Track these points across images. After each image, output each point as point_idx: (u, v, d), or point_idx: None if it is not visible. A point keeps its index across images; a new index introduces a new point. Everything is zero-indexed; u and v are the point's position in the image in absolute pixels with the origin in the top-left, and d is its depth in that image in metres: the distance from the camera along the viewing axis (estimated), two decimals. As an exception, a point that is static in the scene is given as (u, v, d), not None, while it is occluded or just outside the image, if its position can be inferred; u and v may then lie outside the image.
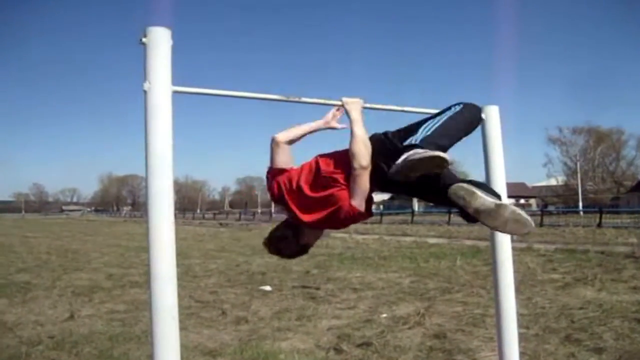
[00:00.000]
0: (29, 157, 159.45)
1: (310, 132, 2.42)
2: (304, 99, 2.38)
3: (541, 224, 23.92)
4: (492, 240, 2.51)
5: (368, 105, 2.35)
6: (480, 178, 2.56)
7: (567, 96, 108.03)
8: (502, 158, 2.54)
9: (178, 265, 1.75)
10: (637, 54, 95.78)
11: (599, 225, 21.70)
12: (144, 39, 1.74)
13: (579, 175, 60.68)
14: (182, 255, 11.69)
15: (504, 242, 2.49)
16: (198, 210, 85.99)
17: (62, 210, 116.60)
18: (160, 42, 1.75)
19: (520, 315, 4.30)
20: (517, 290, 2.67)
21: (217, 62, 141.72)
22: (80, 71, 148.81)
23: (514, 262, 2.57)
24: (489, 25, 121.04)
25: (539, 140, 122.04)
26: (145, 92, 1.73)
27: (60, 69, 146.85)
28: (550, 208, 48.69)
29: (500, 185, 2.51)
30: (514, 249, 2.64)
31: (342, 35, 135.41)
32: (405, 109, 2.48)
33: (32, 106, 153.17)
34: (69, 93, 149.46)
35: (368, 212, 2.23)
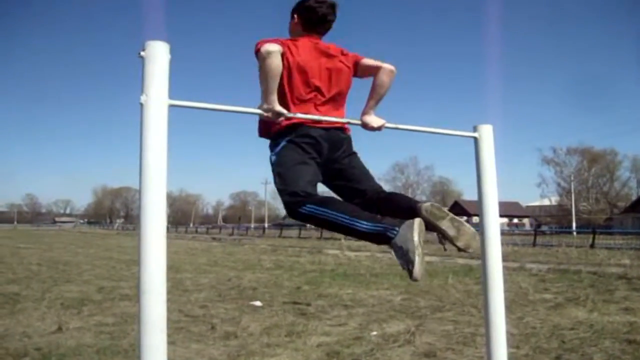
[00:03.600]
0: (24, 168, 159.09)
1: None
2: (299, 115, 2.39)
3: (534, 244, 23.96)
4: (483, 258, 2.51)
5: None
6: (474, 197, 2.58)
7: (561, 117, 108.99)
8: (495, 177, 2.55)
9: (169, 279, 1.74)
10: (630, 76, 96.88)
11: (592, 245, 21.72)
12: (142, 53, 1.75)
13: (572, 195, 61.01)
14: (173, 269, 11.62)
15: (496, 261, 2.49)
16: (191, 224, 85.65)
17: (55, 222, 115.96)
18: (158, 55, 1.76)
19: (510, 335, 4.30)
20: (509, 310, 2.68)
21: (214, 77, 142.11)
22: (76, 83, 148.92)
23: (506, 281, 2.58)
24: (484, 45, 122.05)
25: (534, 160, 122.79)
26: (141, 105, 1.74)
27: (56, 81, 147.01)
28: (544, 228, 48.73)
29: (492, 204, 2.52)
30: (506, 268, 2.65)
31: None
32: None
33: (28, 117, 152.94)
34: (65, 105, 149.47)
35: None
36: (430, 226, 2.33)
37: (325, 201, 2.37)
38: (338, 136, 2.60)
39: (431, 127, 2.52)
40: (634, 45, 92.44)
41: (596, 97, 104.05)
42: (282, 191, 2.44)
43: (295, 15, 2.66)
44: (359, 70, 2.69)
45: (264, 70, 2.32)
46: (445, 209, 2.40)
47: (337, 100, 2.65)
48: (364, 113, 2.59)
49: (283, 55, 2.44)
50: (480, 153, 2.54)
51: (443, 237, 2.39)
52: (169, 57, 1.79)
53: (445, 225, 2.36)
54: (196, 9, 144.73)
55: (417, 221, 2.21)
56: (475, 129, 2.56)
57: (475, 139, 2.54)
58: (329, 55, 2.62)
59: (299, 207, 2.37)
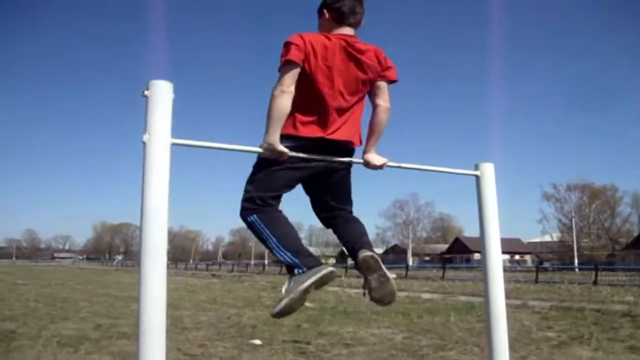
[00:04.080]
0: (24, 203, 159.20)
1: None
2: (300, 154, 2.40)
3: (536, 281, 23.77)
4: (486, 296, 2.49)
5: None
6: (475, 234, 2.57)
7: (562, 153, 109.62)
8: (497, 214, 2.55)
9: (168, 317, 1.72)
10: (630, 111, 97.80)
11: (595, 282, 21.55)
12: (146, 92, 1.77)
13: (574, 231, 60.76)
14: (172, 306, 11.47)
15: (499, 299, 2.47)
16: (191, 261, 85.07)
17: (54, 257, 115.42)
18: (161, 95, 1.78)
19: (515, 375, 4.22)
20: (512, 349, 2.64)
21: (216, 115, 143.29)
22: (77, 119, 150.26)
23: (509, 319, 2.55)
24: (485, 84, 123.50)
25: (534, 196, 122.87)
26: (144, 143, 1.75)
27: (57, 116, 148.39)
28: (546, 264, 48.42)
29: (494, 241, 2.51)
30: (508, 305, 2.63)
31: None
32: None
33: (28, 152, 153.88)
34: (67, 140, 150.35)
35: None
36: (361, 272, 2.44)
37: (268, 220, 2.44)
38: (346, 148, 2.56)
39: (432, 161, 2.56)
40: (634, 81, 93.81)
41: (597, 132, 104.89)
42: (245, 191, 2.50)
43: (325, 11, 2.60)
44: (372, 85, 2.59)
45: (271, 109, 2.31)
46: (382, 264, 2.44)
47: (354, 110, 2.58)
48: (366, 152, 2.59)
49: (305, 58, 2.40)
50: (482, 191, 2.54)
51: (365, 284, 2.45)
52: (173, 96, 1.81)
53: (373, 277, 2.42)
54: (200, 47, 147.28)
55: (323, 273, 2.33)
56: (476, 167, 2.57)
57: (477, 177, 2.55)
58: (360, 63, 2.52)
59: (247, 215, 2.46)
